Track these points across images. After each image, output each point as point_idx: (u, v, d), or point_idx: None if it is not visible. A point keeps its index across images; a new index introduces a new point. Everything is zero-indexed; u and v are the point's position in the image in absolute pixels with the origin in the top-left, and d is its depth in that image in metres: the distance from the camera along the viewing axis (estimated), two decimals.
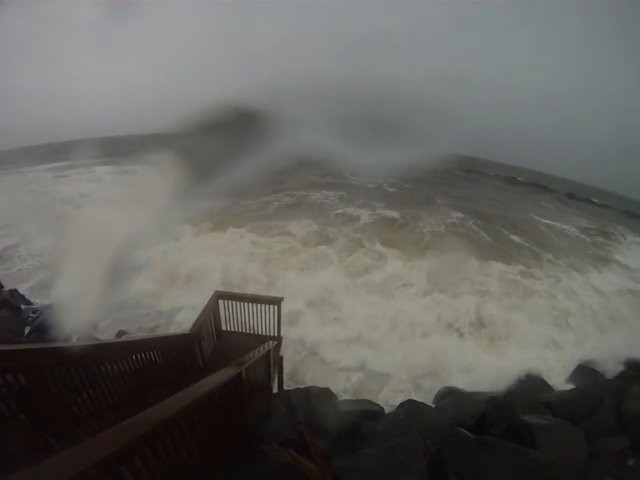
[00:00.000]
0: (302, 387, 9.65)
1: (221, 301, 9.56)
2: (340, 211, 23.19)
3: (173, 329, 11.76)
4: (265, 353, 7.36)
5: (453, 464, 7.11)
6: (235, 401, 5.41)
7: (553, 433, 7.98)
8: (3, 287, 14.23)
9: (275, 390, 9.31)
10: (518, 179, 44.87)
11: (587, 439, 8.15)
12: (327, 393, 9.44)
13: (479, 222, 23.09)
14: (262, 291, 13.66)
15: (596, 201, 38.70)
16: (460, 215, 24.43)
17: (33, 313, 12.78)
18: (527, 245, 21.47)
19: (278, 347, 9.46)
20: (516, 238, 22.20)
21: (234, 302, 9.57)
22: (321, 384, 9.96)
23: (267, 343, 7.76)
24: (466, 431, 7.84)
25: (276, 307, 9.40)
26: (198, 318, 8.56)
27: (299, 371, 11.43)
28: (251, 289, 14.13)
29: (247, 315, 9.61)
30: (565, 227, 25.38)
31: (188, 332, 7.99)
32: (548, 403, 9.91)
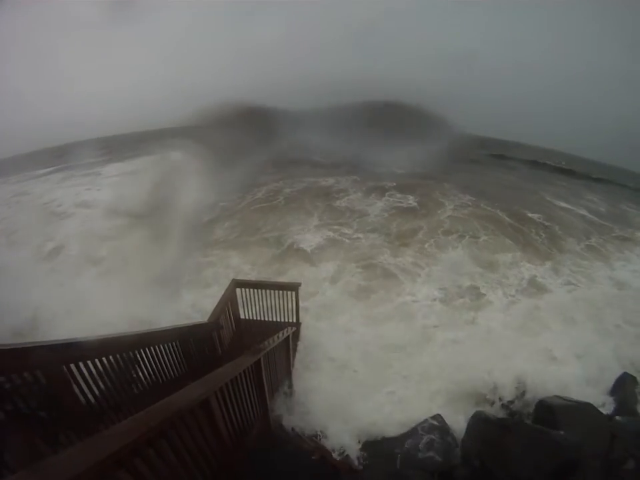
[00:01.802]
0: None
1: (238, 290, 9.45)
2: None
3: None
4: (283, 339, 7.34)
5: (474, 446, 7.20)
6: (255, 389, 5.42)
7: (576, 414, 7.98)
8: None
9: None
10: (541, 161, 43.61)
11: (611, 420, 8.11)
12: None
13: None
14: None
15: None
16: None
17: None
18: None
19: (297, 332, 9.42)
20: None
21: (252, 290, 9.48)
22: None
23: (286, 329, 7.76)
24: (487, 413, 7.95)
25: (294, 292, 9.41)
26: (216, 307, 8.63)
27: None
28: None
29: (265, 302, 9.59)
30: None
31: (206, 321, 7.93)
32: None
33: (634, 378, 9.70)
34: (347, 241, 17.70)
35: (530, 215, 22.13)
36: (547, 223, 21.35)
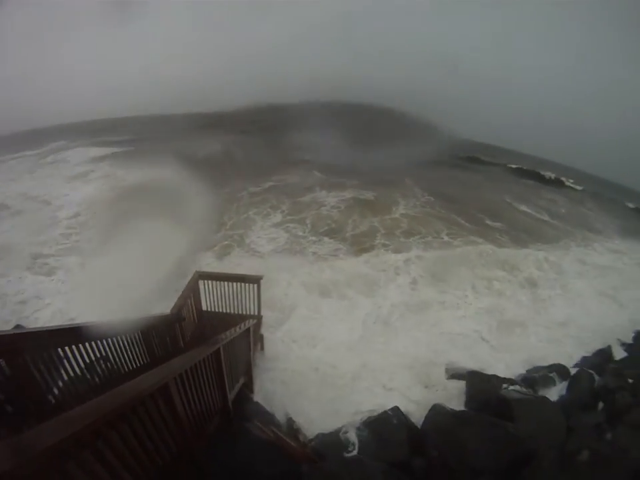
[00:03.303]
0: None
1: (201, 282, 9.49)
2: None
3: None
4: (244, 331, 7.41)
5: (431, 437, 7.35)
6: (215, 378, 5.47)
7: (531, 407, 8.20)
8: None
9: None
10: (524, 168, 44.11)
11: (565, 413, 8.37)
12: None
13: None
14: None
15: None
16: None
17: None
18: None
19: (258, 325, 9.50)
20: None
21: (214, 282, 9.51)
22: None
23: (246, 321, 7.79)
24: (444, 405, 8.16)
25: (255, 285, 9.44)
26: (178, 299, 8.63)
27: None
28: None
29: (227, 295, 9.60)
30: None
31: (168, 313, 7.94)
32: (527, 378, 10.14)
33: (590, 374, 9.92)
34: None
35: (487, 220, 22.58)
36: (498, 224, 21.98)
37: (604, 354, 11.43)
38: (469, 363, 10.47)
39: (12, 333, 4.26)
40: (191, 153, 25.84)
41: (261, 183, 23.82)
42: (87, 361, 5.25)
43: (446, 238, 18.71)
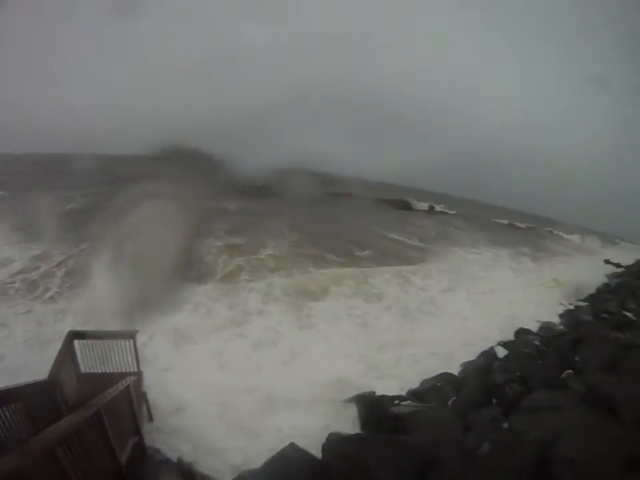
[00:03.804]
0: None
1: (76, 342, 8.86)
2: None
3: None
4: (124, 390, 6.92)
5: (334, 466, 7.08)
6: (101, 442, 5.09)
7: (424, 417, 8.24)
8: None
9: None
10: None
11: (459, 414, 8.66)
12: None
13: None
14: None
15: None
16: None
17: None
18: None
19: (139, 381, 8.91)
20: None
21: (90, 340, 8.91)
22: None
23: (125, 379, 7.30)
24: (339, 432, 7.95)
25: (131, 340, 8.89)
26: (55, 362, 7.87)
27: None
28: None
29: (104, 353, 8.99)
30: None
31: (46, 379, 7.32)
32: (417, 392, 10.17)
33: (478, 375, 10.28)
34: None
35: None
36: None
37: (488, 355, 11.89)
38: (357, 386, 10.41)
39: None
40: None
41: None
42: None
43: (313, 271, 18.72)
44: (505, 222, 44.72)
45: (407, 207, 43.00)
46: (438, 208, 43.82)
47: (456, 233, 30.11)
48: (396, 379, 10.90)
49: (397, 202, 43.69)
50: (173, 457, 7.93)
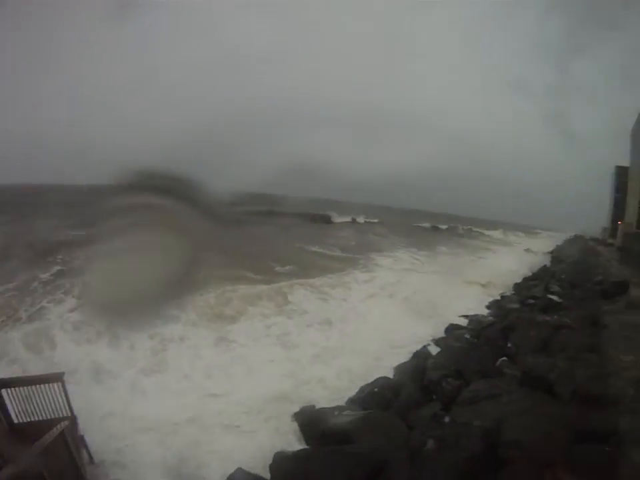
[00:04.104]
0: None
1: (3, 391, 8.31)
2: None
3: None
4: (58, 437, 6.50)
5: None
6: None
7: (366, 423, 8.09)
8: None
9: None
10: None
11: (402, 417, 8.54)
12: None
13: None
14: None
15: None
16: None
17: None
18: None
19: (74, 425, 8.42)
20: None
21: (17, 388, 8.37)
22: None
23: (58, 425, 6.88)
24: (284, 450, 7.74)
25: (59, 383, 8.39)
26: None
27: None
28: None
29: (34, 400, 8.45)
30: None
31: None
32: (355, 400, 9.98)
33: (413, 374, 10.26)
34: None
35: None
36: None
37: (421, 354, 11.89)
38: (293, 403, 10.23)
39: None
40: None
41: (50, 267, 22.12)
42: None
43: (231, 291, 18.44)
44: (427, 225, 45.87)
45: (327, 220, 43.35)
46: (360, 219, 44.33)
47: (376, 240, 30.48)
48: (332, 391, 10.71)
49: (318, 216, 44.01)
50: None
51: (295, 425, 9.26)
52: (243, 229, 33.53)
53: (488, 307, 17.61)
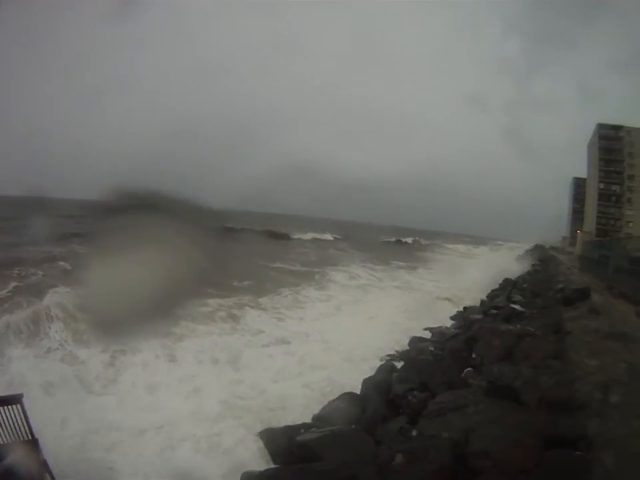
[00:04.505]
0: None
1: None
2: None
3: None
4: (19, 462, 6.29)
5: None
6: None
7: (332, 439, 7.99)
8: None
9: None
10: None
11: (369, 431, 8.47)
12: None
13: None
14: None
15: None
16: None
17: None
18: None
19: (35, 449, 8.09)
20: None
21: None
22: None
23: (17, 451, 6.63)
24: (251, 470, 7.52)
25: (18, 405, 8.05)
26: None
27: None
28: None
29: None
30: None
31: None
32: (320, 417, 9.84)
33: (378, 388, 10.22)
34: None
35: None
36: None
37: (385, 368, 11.75)
38: (257, 424, 10.05)
39: None
40: None
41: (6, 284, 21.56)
42: None
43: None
44: (393, 239, 46.46)
45: (286, 237, 43.61)
46: (321, 236, 44.54)
47: (338, 256, 30.70)
48: (295, 411, 10.56)
49: (278, 234, 44.27)
50: None
51: (260, 444, 9.14)
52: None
53: (452, 318, 17.74)
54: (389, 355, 12.85)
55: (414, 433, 7.64)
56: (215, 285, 21.40)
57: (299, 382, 11.94)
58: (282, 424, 9.49)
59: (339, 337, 15.25)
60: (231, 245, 34.84)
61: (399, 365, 12.01)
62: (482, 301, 21.37)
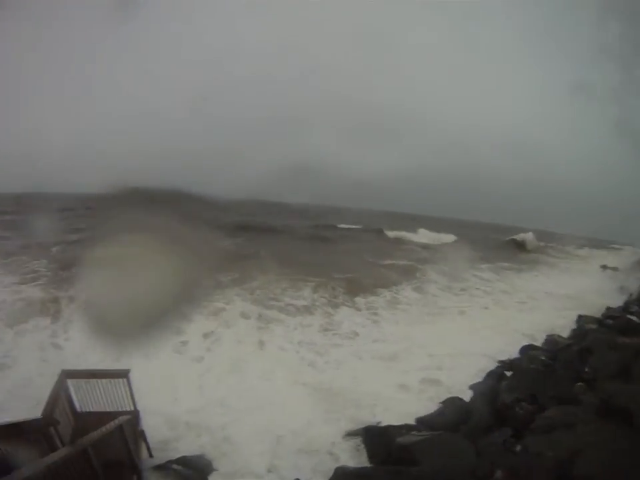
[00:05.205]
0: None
1: (70, 381, 8.63)
2: None
3: None
4: (117, 429, 6.86)
5: None
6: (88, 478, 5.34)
7: (432, 445, 7.96)
8: None
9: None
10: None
11: (470, 439, 8.22)
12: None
13: None
14: None
15: None
16: None
17: None
18: None
19: (135, 420, 8.62)
20: None
21: (83, 380, 8.67)
22: None
23: (117, 419, 7.06)
24: (345, 466, 7.85)
25: (125, 379, 8.64)
26: (48, 400, 7.64)
27: None
28: None
29: (99, 393, 8.73)
30: None
31: (39, 417, 7.04)
32: (423, 420, 9.81)
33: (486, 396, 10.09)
34: None
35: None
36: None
37: (494, 375, 11.57)
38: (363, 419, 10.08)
39: None
40: None
41: None
42: None
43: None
44: (506, 238, 45.22)
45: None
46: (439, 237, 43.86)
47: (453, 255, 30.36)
48: (399, 409, 10.46)
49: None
50: None
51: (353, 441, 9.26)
52: (316, 244, 33.82)
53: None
54: (499, 362, 12.51)
55: (518, 448, 7.42)
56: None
57: (395, 382, 11.88)
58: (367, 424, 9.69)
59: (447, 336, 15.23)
60: (342, 242, 35.37)
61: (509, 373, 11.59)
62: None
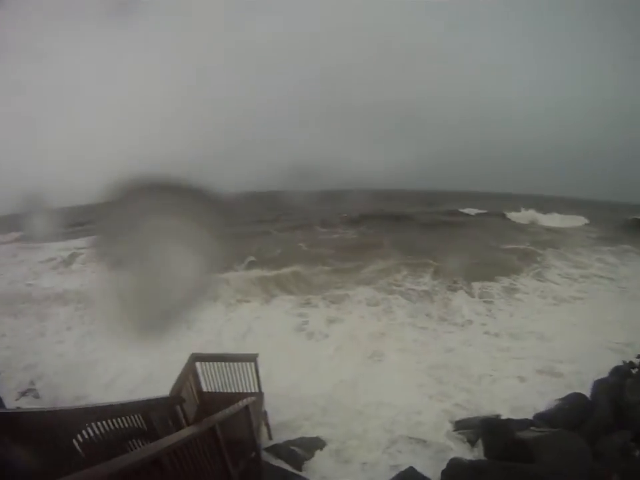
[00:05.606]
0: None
1: (198, 364, 9.71)
2: None
3: None
4: (243, 409, 7.44)
5: None
6: (213, 455, 5.66)
7: (550, 443, 7.81)
8: None
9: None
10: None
11: (589, 440, 8.00)
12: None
13: None
14: None
15: None
16: None
17: None
18: None
19: (259, 402, 9.35)
20: None
21: (211, 363, 9.73)
22: None
23: (244, 400, 7.66)
24: (460, 457, 7.94)
25: (252, 363, 9.51)
26: (177, 381, 8.60)
27: None
28: None
29: (225, 375, 9.80)
30: None
31: (168, 395, 7.81)
32: (544, 415, 9.72)
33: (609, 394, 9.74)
34: None
35: None
36: None
37: (620, 371, 11.13)
38: (478, 409, 10.32)
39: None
40: None
41: None
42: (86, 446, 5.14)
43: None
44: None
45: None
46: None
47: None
48: (519, 403, 10.59)
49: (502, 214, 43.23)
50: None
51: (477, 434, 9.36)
52: (430, 233, 33.64)
53: None
54: (624, 362, 11.80)
55: (637, 453, 7.35)
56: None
57: (511, 373, 11.95)
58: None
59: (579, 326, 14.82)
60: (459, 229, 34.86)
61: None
62: None
